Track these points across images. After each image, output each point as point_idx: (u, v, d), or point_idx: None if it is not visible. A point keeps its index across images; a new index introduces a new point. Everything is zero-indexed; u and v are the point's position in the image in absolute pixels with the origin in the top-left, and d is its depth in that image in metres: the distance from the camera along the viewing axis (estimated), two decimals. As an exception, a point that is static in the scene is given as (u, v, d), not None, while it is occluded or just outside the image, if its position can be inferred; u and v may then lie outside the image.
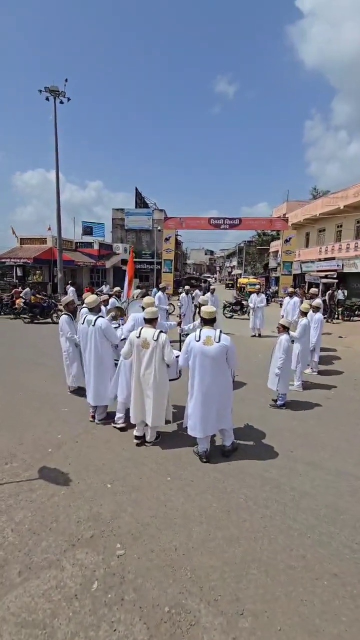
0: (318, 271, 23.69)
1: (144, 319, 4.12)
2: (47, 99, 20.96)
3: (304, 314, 6.44)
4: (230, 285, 39.84)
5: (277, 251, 33.81)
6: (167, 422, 4.38)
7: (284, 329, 5.36)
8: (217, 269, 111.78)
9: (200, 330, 3.85)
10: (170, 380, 4.36)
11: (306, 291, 9.28)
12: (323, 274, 22.57)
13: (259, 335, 10.98)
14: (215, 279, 79.21)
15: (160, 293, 10.06)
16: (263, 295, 11.13)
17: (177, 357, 4.45)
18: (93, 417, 4.80)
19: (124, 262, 31.08)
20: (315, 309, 7.29)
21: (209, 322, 3.89)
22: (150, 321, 4.08)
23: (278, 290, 24.34)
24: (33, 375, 6.86)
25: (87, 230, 29.24)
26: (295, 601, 2.20)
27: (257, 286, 25.03)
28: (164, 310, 9.84)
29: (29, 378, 6.69)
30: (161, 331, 3.99)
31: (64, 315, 5.91)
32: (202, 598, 2.21)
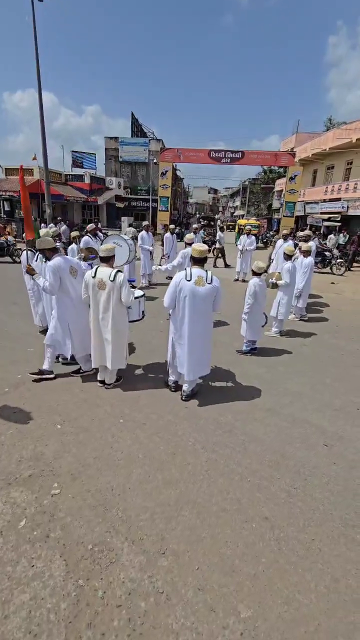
0: (322, 213, 22.42)
1: (100, 257, 3.75)
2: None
3: (289, 257, 6.02)
4: (231, 227, 38.06)
5: (282, 190, 31.79)
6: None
7: (254, 274, 5.01)
8: (220, 209, 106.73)
9: (191, 269, 3.56)
10: (132, 321, 4.16)
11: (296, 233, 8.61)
12: (326, 216, 21.37)
13: (243, 280, 10.60)
14: (217, 219, 75.75)
15: (143, 232, 9.47)
16: (253, 237, 10.49)
17: (138, 297, 4.22)
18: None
19: (118, 198, 29.38)
20: (306, 253, 6.82)
21: (200, 261, 3.60)
22: (106, 259, 3.73)
23: (277, 233, 23.32)
24: (3, 314, 6.69)
25: (78, 161, 27.06)
26: (219, 542, 2.21)
27: (257, 228, 24.04)
28: (147, 251, 9.36)
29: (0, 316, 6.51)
30: (118, 270, 3.67)
31: (25, 252, 5.50)
32: (128, 537, 2.21)
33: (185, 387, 3.90)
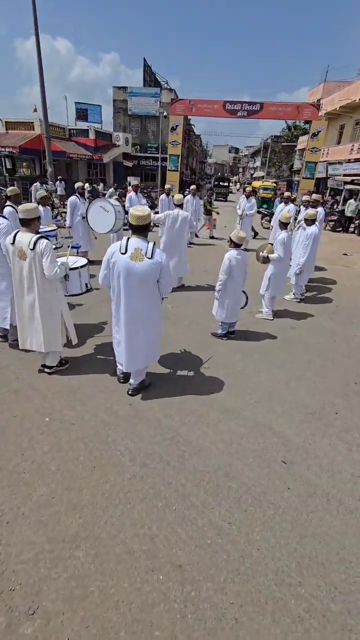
0: (344, 175, 20.41)
1: (19, 219, 3.06)
2: None
3: (284, 225, 5.14)
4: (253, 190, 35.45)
5: (304, 149, 29.15)
6: (73, 345, 3.72)
7: (233, 244, 4.23)
8: (240, 170, 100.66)
9: (128, 239, 2.85)
10: (71, 295, 3.56)
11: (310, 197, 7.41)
12: (349, 178, 19.43)
13: (245, 250, 9.62)
14: (235, 181, 71.33)
15: (132, 193, 8.57)
16: (254, 200, 9.37)
17: (77, 267, 3.60)
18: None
19: (126, 156, 27.64)
20: (310, 221, 5.83)
21: (139, 229, 2.86)
22: (26, 222, 3.03)
23: (296, 197, 21.54)
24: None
25: (82, 113, 25.22)
26: (108, 602, 1.73)
27: (272, 191, 22.27)
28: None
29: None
30: (41, 236, 2.99)
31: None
32: (-5, 586, 1.76)
33: (132, 379, 3.34)
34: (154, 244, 2.88)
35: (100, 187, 17.78)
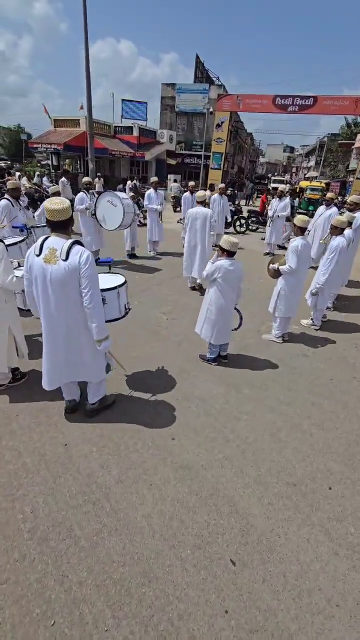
0: None
1: None
2: None
3: (301, 230, 4.23)
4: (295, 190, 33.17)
5: (362, 147, 26.75)
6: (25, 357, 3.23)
7: (223, 251, 3.45)
8: (294, 170, 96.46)
9: (45, 238, 2.32)
10: (109, 321, 2.96)
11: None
12: None
13: (273, 254, 8.67)
14: (286, 181, 68.10)
15: (151, 191, 8.01)
16: (287, 200, 8.34)
17: (116, 287, 2.99)
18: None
19: (169, 153, 27.28)
20: (335, 230, 4.65)
21: (56, 226, 2.32)
22: None
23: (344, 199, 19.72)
24: None
25: (128, 111, 25.23)
26: None
27: (320, 192, 20.57)
28: (154, 211, 7.95)
29: None
30: None
31: None
32: None
33: (88, 397, 2.83)
34: (73, 242, 2.27)
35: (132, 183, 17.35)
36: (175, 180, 21.60)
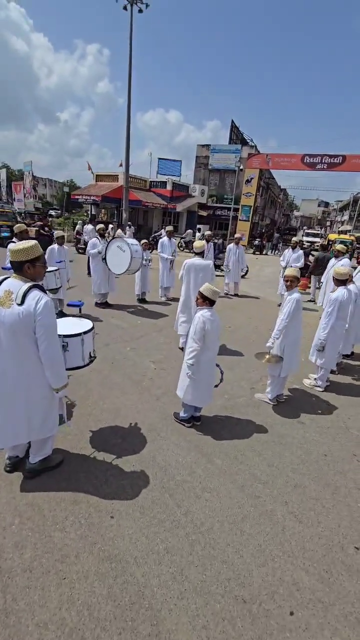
0: None
1: None
2: (124, 8, 18.55)
3: (340, 282, 3.84)
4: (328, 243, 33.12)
5: None
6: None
7: (204, 300, 3.15)
8: (328, 223, 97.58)
9: (4, 279, 2.23)
10: (71, 368, 2.79)
11: None
12: None
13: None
14: (320, 235, 68.52)
15: (165, 239, 8.13)
16: (300, 252, 8.05)
17: (81, 333, 2.82)
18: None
19: (201, 206, 28.63)
20: (340, 282, 4.26)
21: (17, 267, 2.21)
22: None
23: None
24: None
25: (163, 168, 27.21)
26: None
27: (349, 244, 20.20)
28: (166, 260, 7.99)
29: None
30: None
31: None
32: None
33: (30, 455, 2.56)
34: (31, 286, 2.12)
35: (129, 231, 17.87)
36: (199, 230, 22.26)
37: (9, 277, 2.24)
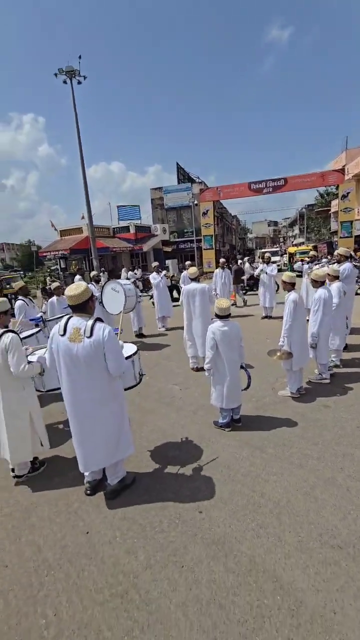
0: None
1: None
2: (64, 82, 20.29)
3: (288, 285, 4.41)
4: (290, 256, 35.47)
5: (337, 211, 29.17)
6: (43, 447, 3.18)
7: (217, 316, 3.63)
8: (281, 240, 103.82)
9: (68, 319, 2.54)
10: (127, 388, 3.08)
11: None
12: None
13: (269, 317, 8.88)
14: (279, 252, 72.81)
15: (154, 274, 8.69)
16: (273, 265, 8.86)
17: (131, 355, 3.11)
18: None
19: (164, 243, 30.00)
20: (315, 283, 4.77)
21: (77, 308, 2.55)
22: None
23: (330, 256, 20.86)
24: None
25: (124, 214, 28.62)
26: None
27: (305, 255, 21.87)
28: (160, 288, 8.47)
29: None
30: (7, 331, 2.76)
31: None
32: None
33: (108, 479, 2.79)
34: (95, 320, 2.48)
35: (131, 273, 18.65)
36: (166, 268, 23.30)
37: (70, 316, 2.59)
